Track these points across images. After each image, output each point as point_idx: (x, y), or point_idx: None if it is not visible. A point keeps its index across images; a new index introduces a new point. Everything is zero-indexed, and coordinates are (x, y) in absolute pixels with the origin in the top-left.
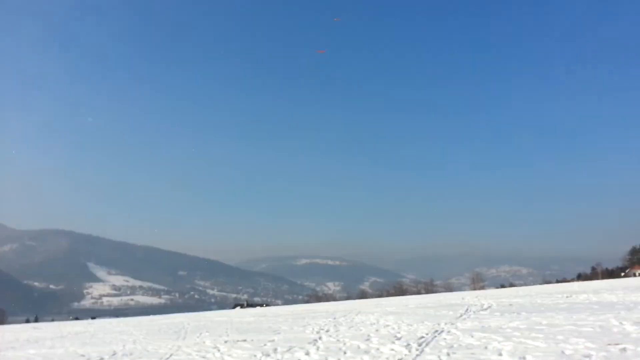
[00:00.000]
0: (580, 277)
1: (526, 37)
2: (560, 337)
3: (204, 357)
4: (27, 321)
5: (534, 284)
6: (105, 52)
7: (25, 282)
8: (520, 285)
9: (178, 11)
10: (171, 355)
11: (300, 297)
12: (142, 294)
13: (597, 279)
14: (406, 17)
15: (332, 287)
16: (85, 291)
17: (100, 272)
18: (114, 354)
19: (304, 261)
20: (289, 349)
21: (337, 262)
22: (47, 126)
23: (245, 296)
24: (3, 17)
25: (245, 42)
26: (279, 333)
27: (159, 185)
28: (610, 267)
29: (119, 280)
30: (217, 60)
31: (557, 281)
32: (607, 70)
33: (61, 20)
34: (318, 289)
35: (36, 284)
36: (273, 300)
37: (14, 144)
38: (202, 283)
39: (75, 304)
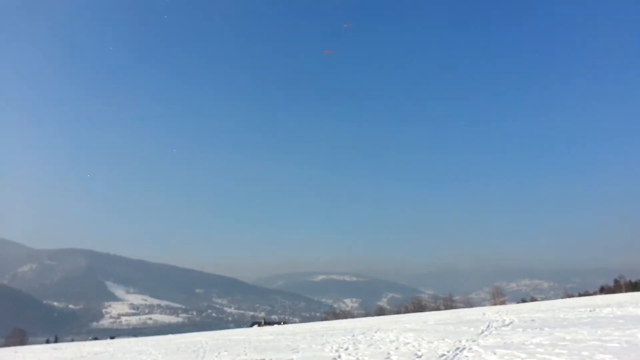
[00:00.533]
0: (603, 290)
1: (531, 47)
2: (585, 353)
3: None
4: (47, 341)
5: (555, 297)
6: (117, 66)
7: (45, 302)
8: (542, 299)
9: (181, 21)
10: None
11: (317, 314)
12: (160, 313)
13: (621, 291)
14: (408, 27)
15: (349, 303)
16: (104, 310)
17: (119, 291)
18: None
19: (320, 277)
20: None
21: (354, 278)
22: (62, 145)
23: (262, 314)
24: (14, 36)
25: (258, 56)
26: (297, 351)
27: (175, 202)
28: (634, 280)
29: (137, 299)
30: (227, 72)
31: (579, 294)
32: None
33: (70, 27)
34: (335, 305)
35: (55, 303)
36: (290, 317)
37: (31, 164)
38: (219, 301)
39: (94, 323)
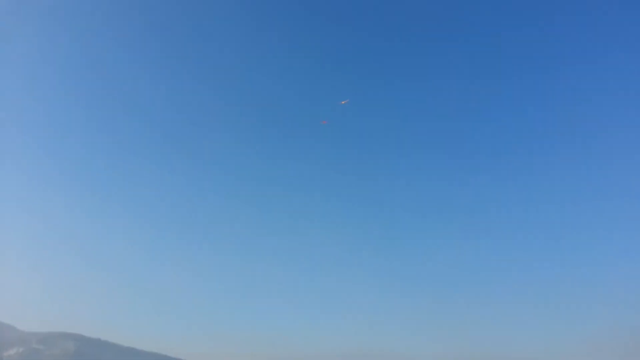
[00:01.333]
0: None
1: (546, 138)
2: None
3: None
4: None
5: None
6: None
7: None
8: None
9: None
10: None
11: None
12: None
13: None
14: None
15: None
16: None
17: None
18: None
19: None
20: None
21: None
22: (55, 228)
23: None
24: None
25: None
26: None
27: (171, 286)
28: None
29: None
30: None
31: None
32: None
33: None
34: None
35: None
36: None
37: (24, 246)
38: None
39: None
